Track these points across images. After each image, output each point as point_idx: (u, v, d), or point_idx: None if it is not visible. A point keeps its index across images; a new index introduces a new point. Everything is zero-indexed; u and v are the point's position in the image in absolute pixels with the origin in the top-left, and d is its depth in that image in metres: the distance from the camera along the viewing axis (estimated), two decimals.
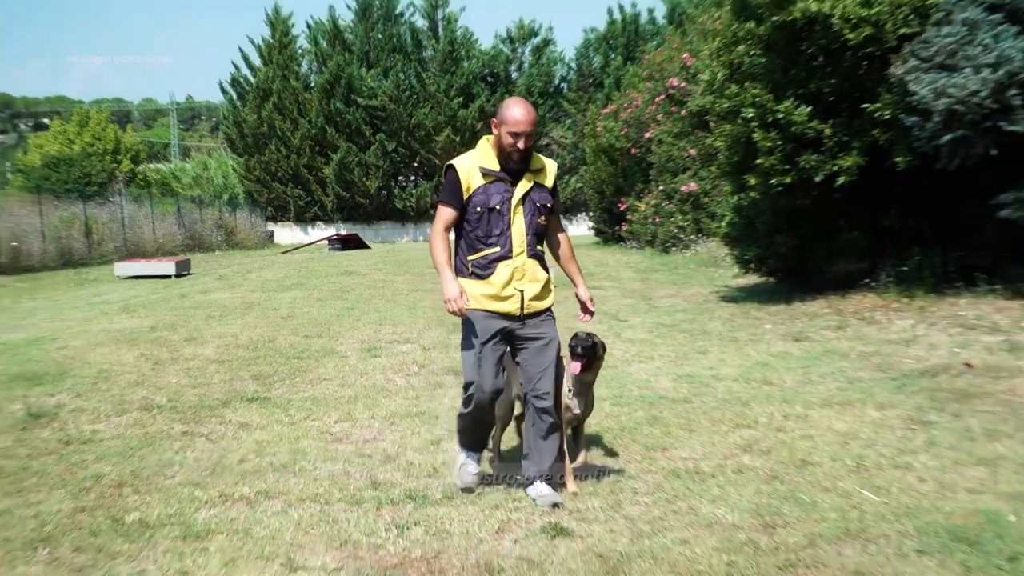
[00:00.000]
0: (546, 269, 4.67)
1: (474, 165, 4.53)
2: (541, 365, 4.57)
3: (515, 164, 4.48)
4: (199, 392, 7.50)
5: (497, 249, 4.49)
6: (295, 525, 4.40)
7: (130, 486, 5.06)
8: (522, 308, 4.51)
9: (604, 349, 4.80)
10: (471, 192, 4.51)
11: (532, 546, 4.06)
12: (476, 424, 4.70)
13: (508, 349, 4.68)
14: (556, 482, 4.63)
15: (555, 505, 4.44)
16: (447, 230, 4.60)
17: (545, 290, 4.61)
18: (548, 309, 4.66)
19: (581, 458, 4.88)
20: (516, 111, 4.40)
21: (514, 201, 4.50)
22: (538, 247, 4.61)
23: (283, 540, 4.21)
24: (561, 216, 5.05)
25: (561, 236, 4.83)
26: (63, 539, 4.28)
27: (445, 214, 4.58)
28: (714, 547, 3.99)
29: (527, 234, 4.52)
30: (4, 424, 6.48)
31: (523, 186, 4.52)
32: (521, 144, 4.39)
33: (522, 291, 4.50)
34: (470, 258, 4.55)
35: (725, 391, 7.01)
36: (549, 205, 4.61)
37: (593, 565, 3.86)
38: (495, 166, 4.51)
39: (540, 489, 4.56)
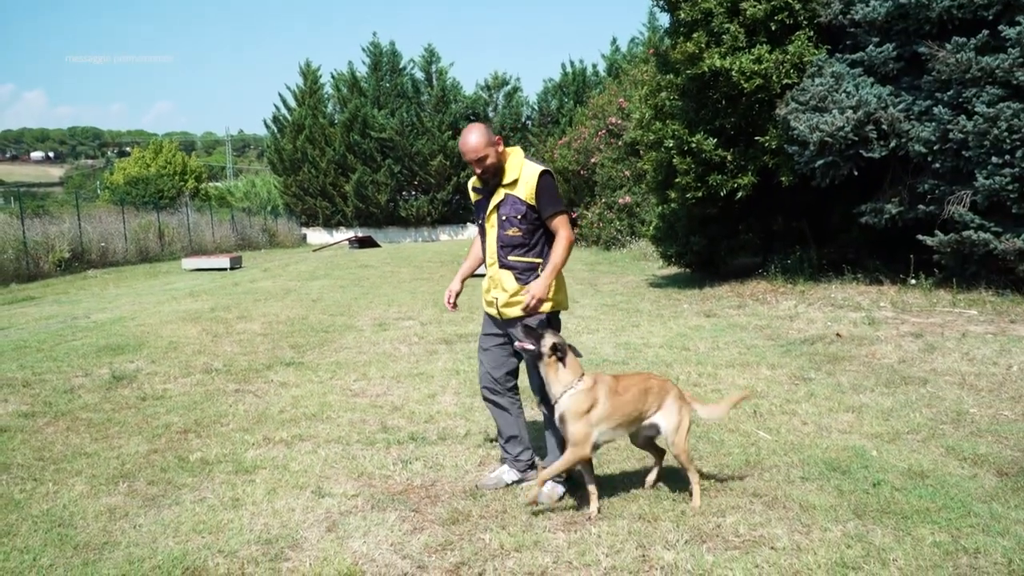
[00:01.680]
0: (525, 281, 3.70)
1: (471, 184, 3.90)
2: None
3: (488, 181, 3.75)
4: (248, 358, 7.36)
5: (486, 258, 3.88)
6: (323, 461, 4.33)
7: (193, 432, 4.97)
8: (499, 313, 3.78)
9: (559, 351, 3.47)
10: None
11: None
12: (494, 413, 3.99)
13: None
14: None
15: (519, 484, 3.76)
16: (481, 236, 3.96)
17: (514, 299, 3.68)
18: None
19: (593, 504, 3.50)
20: (460, 142, 3.68)
21: (487, 215, 3.79)
22: (511, 258, 3.71)
23: (314, 473, 4.15)
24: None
25: (556, 241, 3.70)
26: (139, 475, 4.19)
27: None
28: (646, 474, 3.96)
29: (497, 246, 3.74)
30: (93, 385, 6.33)
31: (494, 201, 3.74)
32: (478, 169, 3.67)
33: (496, 299, 3.76)
34: None
35: (653, 355, 6.98)
36: (519, 216, 3.67)
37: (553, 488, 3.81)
38: (479, 184, 3.83)
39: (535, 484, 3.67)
